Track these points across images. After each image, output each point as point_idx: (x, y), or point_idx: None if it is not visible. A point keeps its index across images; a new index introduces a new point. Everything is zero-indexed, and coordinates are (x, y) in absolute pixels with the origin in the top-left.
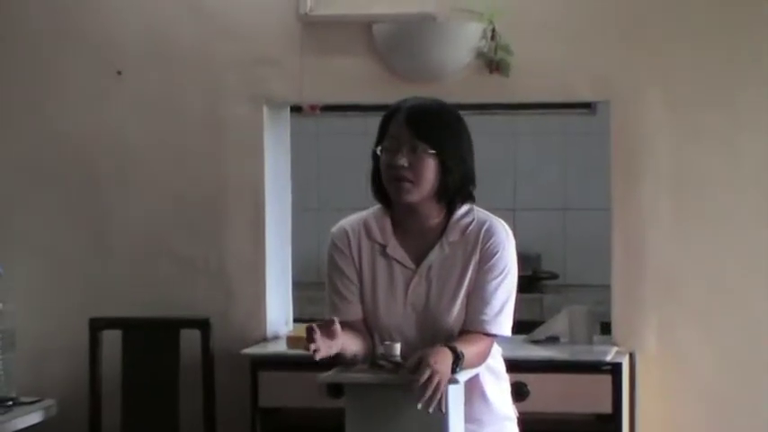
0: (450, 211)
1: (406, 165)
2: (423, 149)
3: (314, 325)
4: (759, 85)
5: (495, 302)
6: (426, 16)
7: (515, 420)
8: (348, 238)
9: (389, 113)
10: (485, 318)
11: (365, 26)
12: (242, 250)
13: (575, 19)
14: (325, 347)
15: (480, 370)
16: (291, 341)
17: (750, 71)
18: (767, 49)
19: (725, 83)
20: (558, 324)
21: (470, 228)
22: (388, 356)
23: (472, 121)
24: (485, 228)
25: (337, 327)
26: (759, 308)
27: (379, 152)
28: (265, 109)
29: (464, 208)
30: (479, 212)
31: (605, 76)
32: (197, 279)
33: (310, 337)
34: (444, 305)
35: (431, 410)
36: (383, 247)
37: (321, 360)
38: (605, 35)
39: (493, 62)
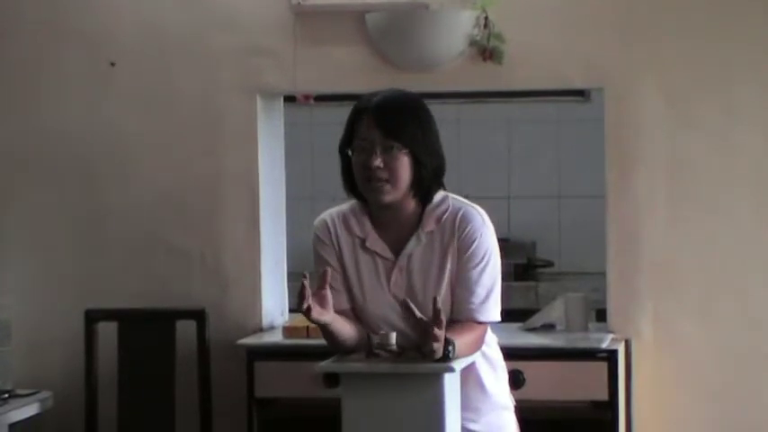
0: (425, 200)
1: (381, 165)
2: (397, 148)
3: (304, 282)
4: (755, 70)
5: (480, 290)
6: (419, 5)
7: (512, 409)
8: (329, 229)
9: (355, 113)
10: (471, 306)
11: (358, 15)
12: (237, 241)
13: (568, 6)
14: (316, 310)
15: (476, 359)
16: (288, 331)
17: (745, 57)
18: (763, 37)
19: (720, 69)
20: (553, 312)
21: (445, 216)
22: (384, 346)
23: (466, 109)
24: (459, 216)
25: (327, 292)
26: (754, 295)
27: (350, 153)
28: (259, 99)
29: (439, 196)
30: (454, 200)
31: (599, 63)
32: (192, 270)
33: (302, 294)
34: (428, 295)
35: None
36: (363, 240)
37: (314, 320)
38: (599, 22)
39: (486, 50)
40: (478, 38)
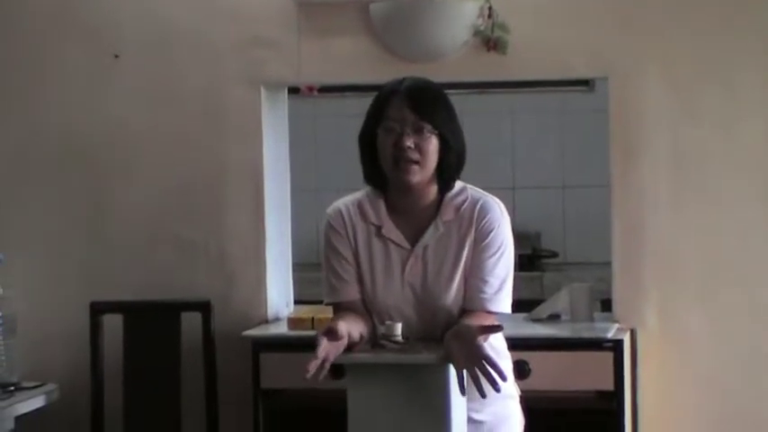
0: (443, 189)
1: (412, 146)
2: (428, 130)
3: (319, 344)
4: (758, 61)
5: (494, 280)
6: None
7: (517, 399)
8: (343, 218)
9: (385, 95)
10: (484, 296)
11: (362, 6)
12: (242, 232)
13: None
14: (333, 352)
15: None
16: (293, 323)
17: (749, 47)
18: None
19: (724, 59)
20: (558, 302)
21: (464, 206)
22: (389, 336)
23: (470, 99)
24: (479, 206)
25: (340, 329)
26: (758, 284)
27: (377, 133)
28: (263, 91)
29: (457, 186)
30: (473, 190)
31: (603, 52)
32: (197, 262)
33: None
34: (442, 285)
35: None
36: (378, 228)
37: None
38: (603, 11)
39: (490, 40)
40: (482, 28)
